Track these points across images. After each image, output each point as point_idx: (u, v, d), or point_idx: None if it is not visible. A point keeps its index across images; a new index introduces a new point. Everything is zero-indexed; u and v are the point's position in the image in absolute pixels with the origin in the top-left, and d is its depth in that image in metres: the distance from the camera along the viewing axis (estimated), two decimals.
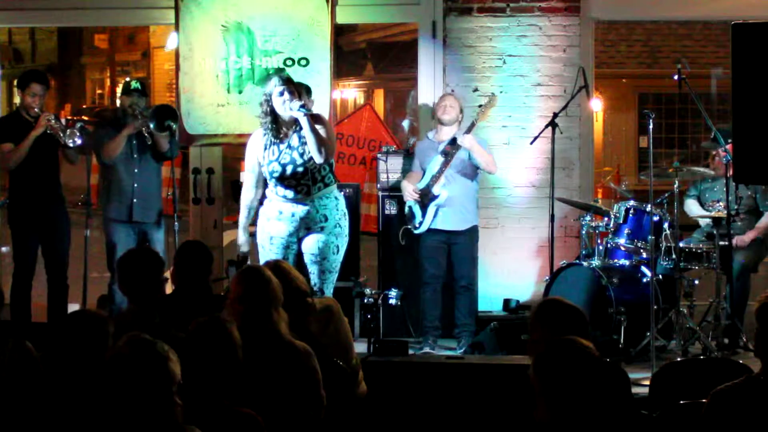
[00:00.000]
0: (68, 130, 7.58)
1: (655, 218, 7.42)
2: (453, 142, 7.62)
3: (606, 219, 7.76)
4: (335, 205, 6.59)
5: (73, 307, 7.83)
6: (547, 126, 7.88)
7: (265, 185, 6.61)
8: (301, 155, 6.44)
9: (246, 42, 8.27)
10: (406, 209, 7.80)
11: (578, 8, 8.42)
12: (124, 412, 3.35)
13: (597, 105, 10.93)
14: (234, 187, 8.30)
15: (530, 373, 3.37)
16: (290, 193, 6.51)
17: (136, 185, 7.76)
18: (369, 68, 21.83)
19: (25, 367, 4.12)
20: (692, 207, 8.11)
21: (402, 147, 8.62)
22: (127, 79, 12.86)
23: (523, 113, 8.44)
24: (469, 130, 7.60)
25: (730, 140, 6.76)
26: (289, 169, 6.46)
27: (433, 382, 6.39)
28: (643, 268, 7.60)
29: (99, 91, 29.38)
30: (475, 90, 8.43)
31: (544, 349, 3.41)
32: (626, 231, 7.65)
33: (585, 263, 7.62)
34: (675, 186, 7.60)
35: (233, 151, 8.81)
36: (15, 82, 9.69)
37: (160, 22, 9.21)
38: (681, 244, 7.60)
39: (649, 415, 4.39)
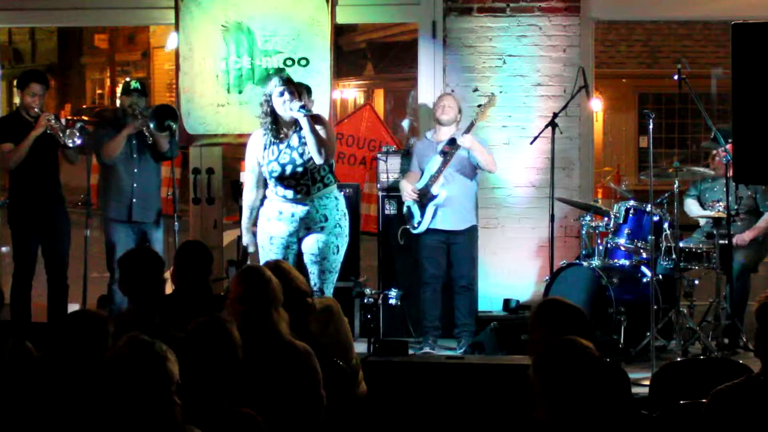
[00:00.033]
0: (68, 130, 7.58)
1: (655, 218, 7.43)
2: (452, 142, 7.62)
3: (606, 219, 7.76)
4: (335, 205, 6.59)
5: (73, 307, 7.83)
6: (547, 126, 7.88)
7: (266, 185, 6.61)
8: (301, 155, 6.44)
9: (246, 42, 8.27)
10: (405, 209, 7.80)
11: (578, 8, 8.42)
12: (124, 411, 3.35)
13: (597, 105, 10.93)
14: (234, 187, 8.30)
15: (530, 373, 3.37)
16: (290, 193, 6.51)
17: (135, 185, 7.76)
18: (369, 68, 21.83)
19: (25, 367, 4.12)
20: (692, 207, 8.12)
21: (402, 147, 8.62)
22: (127, 79, 12.86)
23: (523, 113, 8.44)
24: (468, 130, 7.60)
25: (730, 140, 6.75)
26: (288, 169, 6.46)
27: (433, 382, 6.39)
28: (643, 268, 7.60)
29: (99, 91, 29.38)
30: (475, 90, 8.43)
31: (544, 349, 3.41)
32: (626, 231, 7.66)
33: (585, 263, 7.62)
34: (675, 186, 7.61)
35: (233, 151, 8.81)
36: (15, 82, 9.68)
37: (160, 22, 9.21)
38: (681, 244, 7.60)
39: (649, 415, 4.39)
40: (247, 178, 6.68)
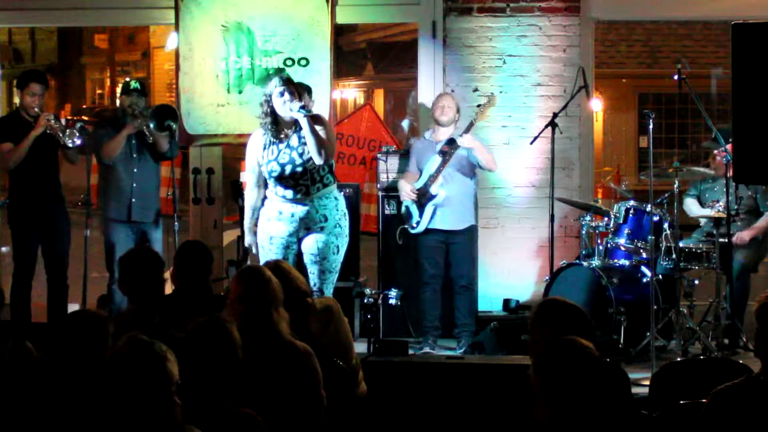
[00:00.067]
0: (68, 130, 7.59)
1: (655, 218, 7.43)
2: (450, 142, 7.62)
3: (606, 219, 7.76)
4: (335, 205, 6.59)
5: (73, 307, 7.83)
6: (547, 126, 7.88)
7: (267, 185, 6.61)
8: (300, 155, 6.44)
9: (246, 42, 8.27)
10: (403, 209, 7.79)
11: (578, 8, 8.42)
12: (124, 412, 3.35)
13: (597, 105, 10.93)
14: (234, 187, 8.29)
15: (530, 373, 3.37)
16: (289, 193, 6.51)
17: (135, 185, 7.76)
18: (369, 68, 21.83)
19: (25, 367, 4.12)
20: (692, 207, 8.11)
21: (402, 147, 8.62)
22: (127, 79, 12.86)
23: (523, 113, 8.44)
24: (467, 130, 7.60)
25: (730, 140, 6.75)
26: (287, 169, 6.46)
27: (433, 382, 6.39)
28: (643, 268, 7.60)
29: (99, 91, 29.38)
30: (475, 90, 8.43)
31: (544, 349, 3.41)
32: (626, 231, 7.66)
33: (585, 263, 7.62)
34: (675, 186, 7.61)
35: (233, 151, 8.81)
36: (15, 82, 9.69)
37: (160, 22, 9.21)
38: (681, 244, 7.60)
39: (649, 415, 4.39)
40: (248, 178, 6.68)
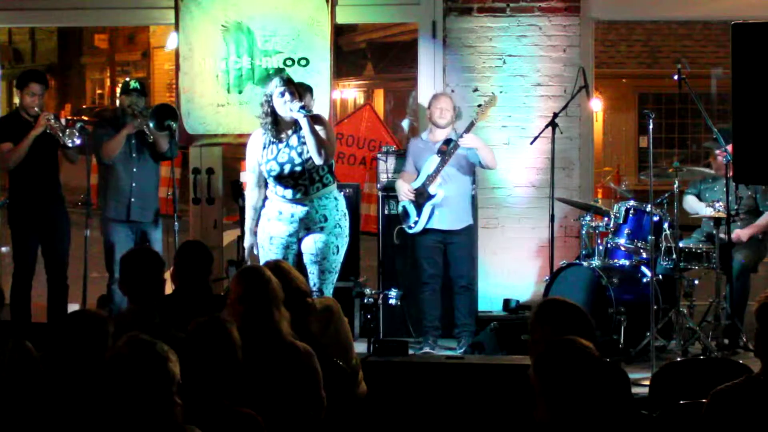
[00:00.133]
0: (68, 130, 7.59)
1: (655, 218, 7.43)
2: (448, 142, 7.61)
3: (606, 219, 7.76)
4: (335, 205, 6.59)
5: (73, 307, 7.83)
6: (547, 126, 7.88)
7: (267, 185, 6.61)
8: (300, 155, 6.44)
9: (246, 42, 8.27)
10: (400, 209, 7.79)
11: (578, 8, 8.42)
12: (124, 412, 3.35)
13: (597, 105, 10.94)
14: (234, 187, 8.31)
15: (530, 373, 3.37)
16: (289, 193, 6.51)
17: (134, 184, 7.77)
18: (369, 68, 21.83)
19: (25, 367, 4.12)
20: (692, 203, 8.05)
21: (402, 147, 8.61)
22: (127, 79, 12.85)
23: (523, 113, 8.44)
24: (468, 130, 7.59)
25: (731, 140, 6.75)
26: (287, 168, 6.45)
27: (433, 382, 6.39)
28: (643, 268, 7.60)
29: (99, 91, 29.39)
30: (475, 90, 8.43)
31: (544, 349, 3.41)
32: (626, 231, 7.65)
33: (585, 263, 7.62)
34: (675, 186, 7.61)
35: (233, 151, 8.81)
36: (15, 82, 9.69)
37: (160, 22, 9.21)
38: (681, 244, 7.60)
39: (649, 415, 4.39)
40: (248, 178, 6.68)
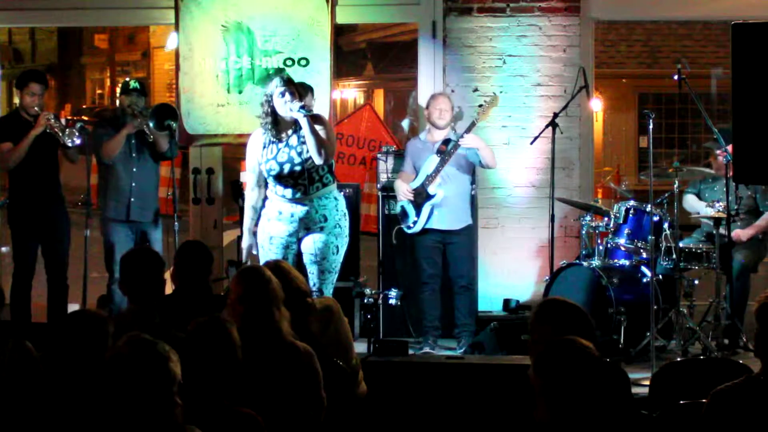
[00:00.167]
0: (68, 130, 7.59)
1: (655, 218, 7.43)
2: (447, 142, 7.62)
3: (606, 219, 7.76)
4: (335, 205, 6.58)
5: (73, 307, 7.83)
6: (547, 126, 7.88)
7: (267, 185, 6.61)
8: (299, 154, 6.44)
9: (246, 42, 8.27)
10: (399, 209, 7.79)
11: (578, 8, 8.42)
12: (124, 412, 3.34)
13: (597, 105, 10.94)
14: (234, 187, 8.31)
15: (530, 373, 3.37)
16: (288, 193, 6.51)
17: (134, 184, 7.77)
18: (369, 68, 21.83)
19: (25, 367, 4.12)
20: (692, 202, 8.05)
21: (402, 147, 8.61)
22: (127, 79, 12.84)
23: (523, 113, 8.44)
24: (468, 130, 7.60)
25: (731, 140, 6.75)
26: (286, 168, 6.45)
27: (433, 382, 6.39)
28: (643, 268, 7.60)
29: (99, 91, 29.39)
30: (475, 90, 8.43)
31: (544, 349, 3.41)
32: (626, 231, 7.66)
33: (585, 263, 7.62)
34: (675, 186, 7.61)
35: (233, 151, 8.81)
36: (15, 82, 9.69)
37: (160, 22, 9.21)
38: (681, 244, 7.60)
39: (649, 415, 4.39)
40: (248, 178, 6.68)
